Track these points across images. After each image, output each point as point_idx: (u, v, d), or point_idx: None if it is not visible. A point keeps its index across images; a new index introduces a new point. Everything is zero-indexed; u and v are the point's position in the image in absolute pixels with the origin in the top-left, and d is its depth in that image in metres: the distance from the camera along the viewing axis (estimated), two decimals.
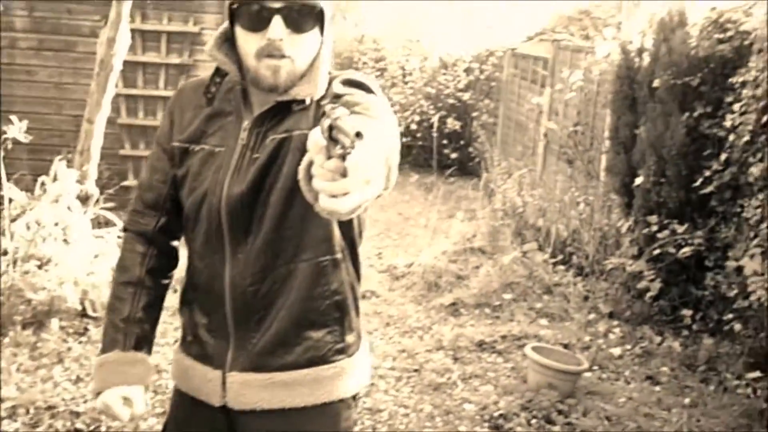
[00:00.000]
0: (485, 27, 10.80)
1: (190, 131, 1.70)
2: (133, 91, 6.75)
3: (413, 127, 10.35)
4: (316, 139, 1.09)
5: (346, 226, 1.68)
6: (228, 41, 1.64)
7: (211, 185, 1.64)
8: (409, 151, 10.69)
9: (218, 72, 1.67)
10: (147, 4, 6.58)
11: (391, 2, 13.07)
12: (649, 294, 5.07)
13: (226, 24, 1.65)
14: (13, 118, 4.88)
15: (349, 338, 1.73)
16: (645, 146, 5.16)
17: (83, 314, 4.71)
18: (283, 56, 1.55)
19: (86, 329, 4.62)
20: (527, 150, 8.30)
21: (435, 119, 9.73)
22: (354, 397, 1.78)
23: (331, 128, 1.07)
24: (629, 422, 3.99)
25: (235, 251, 1.64)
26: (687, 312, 4.94)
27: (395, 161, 1.33)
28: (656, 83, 5.07)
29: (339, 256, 1.68)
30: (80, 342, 4.48)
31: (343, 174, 1.07)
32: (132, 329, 1.74)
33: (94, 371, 1.75)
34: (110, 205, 5.77)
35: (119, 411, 1.71)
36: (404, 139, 10.44)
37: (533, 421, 3.91)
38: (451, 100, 10.39)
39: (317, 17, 1.58)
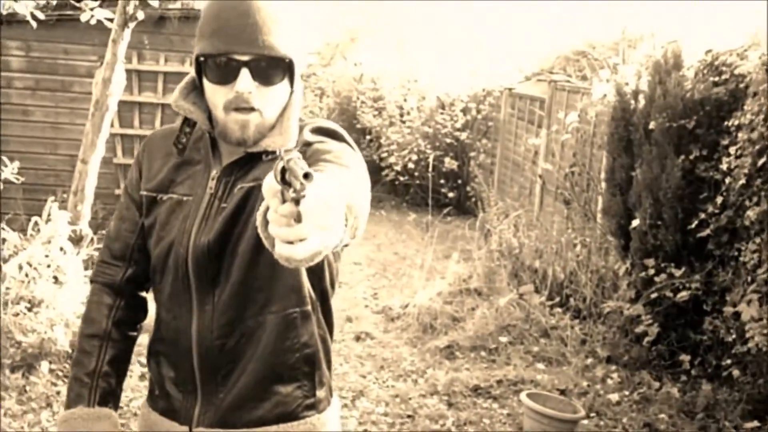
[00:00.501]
0: (483, 66, 10.84)
1: (158, 180, 1.67)
2: (129, 131, 6.77)
3: (410, 166, 10.36)
4: (270, 183, 1.07)
5: (317, 277, 1.65)
6: (196, 89, 1.63)
7: (178, 235, 1.62)
8: (407, 190, 10.69)
9: (187, 121, 1.65)
10: (144, 45, 6.61)
11: (389, 43, 13.19)
12: (647, 339, 5.01)
13: (192, 73, 1.64)
14: (5, 159, 4.87)
15: (320, 393, 1.69)
16: (641, 188, 5.14)
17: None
18: (252, 109, 1.53)
19: None
20: (524, 190, 8.29)
21: (431, 158, 9.73)
22: None
23: (284, 171, 1.04)
24: None
25: (203, 303, 1.61)
26: (685, 357, 4.88)
27: (364, 209, 1.30)
28: (652, 125, 5.06)
29: (309, 307, 1.64)
30: None
31: (299, 219, 1.04)
32: (98, 384, 1.69)
33: (58, 426, 1.69)
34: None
35: None
36: (401, 178, 10.47)
37: None
38: (448, 140, 10.41)
39: (286, 68, 1.56)
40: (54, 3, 5.31)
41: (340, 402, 1.81)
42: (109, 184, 6.65)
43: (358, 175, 1.39)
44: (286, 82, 1.57)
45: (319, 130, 1.58)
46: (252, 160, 1.59)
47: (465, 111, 10.46)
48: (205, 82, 1.57)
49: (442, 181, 10.15)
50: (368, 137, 11.57)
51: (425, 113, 10.73)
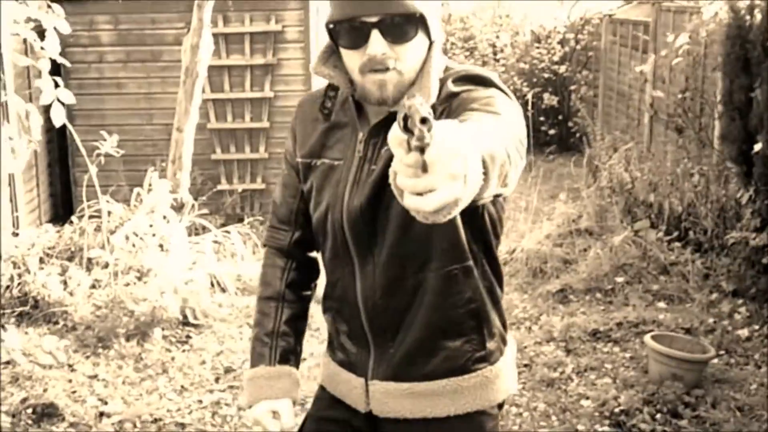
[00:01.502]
0: None
1: (310, 146, 1.70)
2: (221, 95, 6.74)
3: None
4: (394, 132, 1.00)
5: (478, 230, 1.62)
6: (335, 53, 1.61)
7: (332, 199, 1.64)
8: None
9: (331, 85, 1.64)
10: (228, 7, 6.53)
11: None
12: None
13: (328, 40, 1.61)
14: (104, 133, 4.92)
15: (491, 345, 1.69)
16: (762, 110, 4.72)
17: (185, 323, 4.71)
18: (387, 69, 1.49)
19: (188, 337, 4.61)
20: (632, 122, 7.85)
21: (530, 95, 9.36)
22: (500, 406, 1.74)
23: (406, 119, 0.97)
24: (764, 412, 3.63)
25: (363, 264, 1.64)
26: None
27: (514, 157, 1.25)
28: None
29: (470, 263, 1.62)
30: (183, 351, 4.46)
31: (425, 169, 0.98)
32: (277, 343, 1.78)
33: (244, 385, 1.80)
34: (205, 211, 5.77)
35: (268, 424, 1.74)
36: None
37: (658, 416, 3.62)
38: (546, 75, 9.99)
39: (419, 22, 1.50)
40: None
41: (515, 347, 1.80)
42: (205, 150, 6.67)
43: (509, 121, 1.33)
44: (421, 36, 1.52)
45: (464, 78, 1.52)
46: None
47: (562, 42, 10.00)
48: (340, 48, 1.56)
49: (542, 119, 9.77)
50: None
51: (520, 49, 10.33)
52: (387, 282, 1.62)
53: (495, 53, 10.59)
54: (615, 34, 8.81)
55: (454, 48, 11.25)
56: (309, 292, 1.86)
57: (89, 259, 5.02)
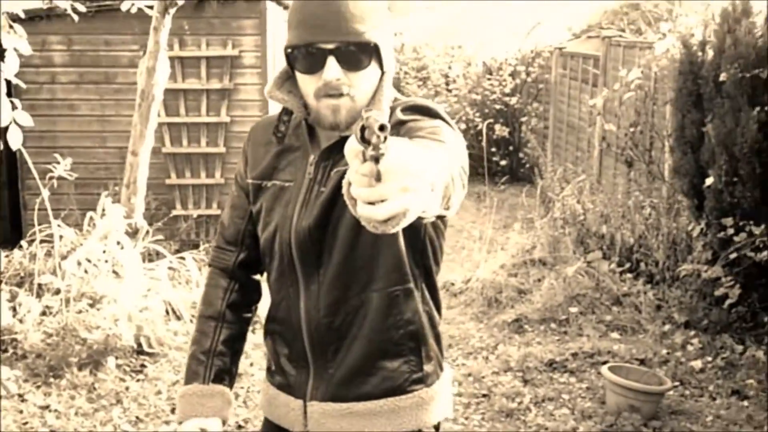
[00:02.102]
0: (528, 27, 10.52)
1: (261, 168, 1.73)
2: (176, 119, 6.66)
3: None
4: (351, 143, 1.05)
5: (419, 254, 1.67)
6: (290, 78, 1.66)
7: (282, 220, 1.67)
8: None
9: (285, 109, 1.68)
10: (185, 31, 6.48)
11: (430, 10, 12.90)
12: (727, 301, 4.77)
13: (285, 65, 1.65)
14: (58, 156, 4.81)
15: (428, 367, 1.72)
16: (714, 145, 4.87)
17: (139, 351, 4.60)
18: (341, 95, 1.55)
19: (143, 366, 4.50)
20: (582, 154, 8.01)
21: (483, 126, 9.48)
22: (436, 428, 1.77)
23: (363, 130, 1.02)
24: None
25: (308, 284, 1.67)
26: None
27: (458, 183, 1.32)
28: (723, 77, 4.77)
29: (411, 285, 1.67)
30: (138, 380, 4.35)
31: (379, 179, 1.03)
32: (213, 362, 1.79)
33: (177, 401, 1.81)
34: (159, 236, 5.68)
35: None
36: None
37: None
38: (497, 106, 10.14)
39: (373, 52, 1.57)
40: None
41: (451, 373, 1.83)
42: (159, 174, 6.57)
43: (454, 150, 1.38)
44: (374, 65, 1.58)
45: (413, 108, 1.57)
46: None
47: (513, 75, 10.16)
48: (296, 72, 1.60)
49: (493, 149, 9.90)
50: None
51: (472, 80, 10.46)
52: (331, 301, 1.65)
53: (447, 84, 10.71)
54: (565, 67, 9.01)
55: (407, 77, 11.35)
56: (249, 315, 1.88)
57: (40, 285, 4.88)
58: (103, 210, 5.07)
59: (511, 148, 10.12)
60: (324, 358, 1.69)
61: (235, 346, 1.84)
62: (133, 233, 5.31)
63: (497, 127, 9.97)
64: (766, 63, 4.61)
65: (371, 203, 1.03)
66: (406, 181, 1.03)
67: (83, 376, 4.25)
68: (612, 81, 7.06)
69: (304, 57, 1.55)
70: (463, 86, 10.43)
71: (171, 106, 6.57)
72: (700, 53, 5.09)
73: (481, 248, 6.47)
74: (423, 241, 1.66)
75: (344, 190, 1.13)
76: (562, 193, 6.55)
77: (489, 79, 10.33)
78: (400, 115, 1.56)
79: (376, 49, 1.56)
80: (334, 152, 1.62)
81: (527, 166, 9.61)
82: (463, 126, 10.08)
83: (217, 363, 1.79)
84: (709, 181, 4.89)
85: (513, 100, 10.05)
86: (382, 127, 0.99)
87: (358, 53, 1.54)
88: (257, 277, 1.88)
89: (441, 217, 1.61)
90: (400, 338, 1.67)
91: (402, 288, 1.65)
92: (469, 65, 10.71)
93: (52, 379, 4.25)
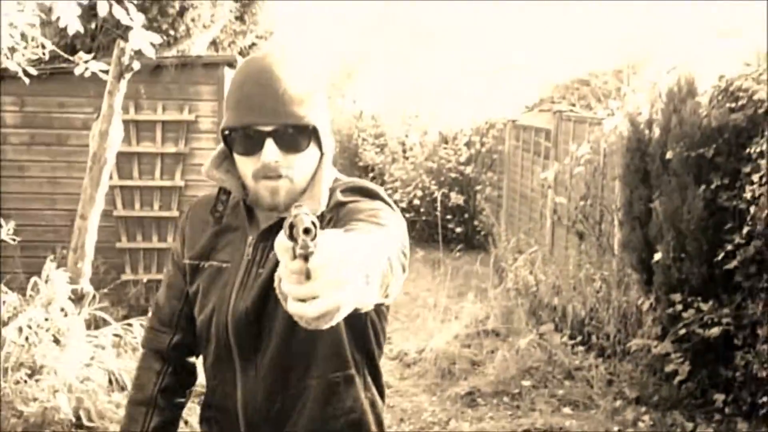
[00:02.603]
0: (482, 98, 10.72)
1: (199, 248, 1.69)
2: (129, 182, 6.59)
3: (416, 202, 10.17)
4: (280, 239, 1.03)
5: (361, 338, 1.62)
6: (228, 158, 1.63)
7: (218, 302, 1.62)
8: (413, 226, 10.50)
9: (223, 189, 1.66)
10: (140, 95, 6.46)
11: (387, 78, 13.10)
12: (677, 377, 4.79)
13: (222, 145, 1.64)
14: (1, 220, 4.69)
15: None
16: (662, 221, 4.95)
17: (78, 425, 4.42)
18: (279, 176, 1.53)
19: None
20: (535, 224, 8.09)
21: (438, 194, 9.56)
22: None
23: (292, 227, 1.02)
24: None
25: (246, 369, 1.60)
26: (719, 395, 4.65)
27: (397, 268, 1.29)
28: (669, 155, 4.88)
29: (352, 371, 1.61)
30: None
31: (308, 276, 1.00)
32: None
33: None
34: (105, 303, 5.54)
35: None
36: (407, 215, 10.28)
37: None
38: (453, 174, 10.25)
39: (312, 134, 1.56)
40: (47, 57, 5.15)
41: None
42: (110, 238, 6.46)
43: (393, 233, 1.37)
44: (313, 146, 1.57)
45: (352, 190, 1.58)
46: None
47: (468, 144, 10.31)
48: (234, 154, 1.58)
49: (449, 217, 9.96)
50: (371, 174, 11.42)
51: (428, 148, 10.59)
52: (269, 388, 1.59)
53: (404, 151, 10.82)
54: (518, 139, 9.16)
55: (365, 144, 11.45)
56: (182, 399, 1.81)
57: None
58: (47, 275, 4.94)
59: (466, 215, 10.20)
60: None
61: (165, 429, 1.76)
62: (78, 299, 5.17)
63: (453, 195, 10.05)
64: (711, 142, 4.72)
65: (302, 300, 1.01)
66: (337, 277, 1.01)
67: None
68: (563, 154, 7.18)
69: (242, 139, 1.53)
70: (420, 154, 10.55)
71: (124, 168, 6.51)
72: (647, 131, 5.21)
73: (435, 317, 6.45)
74: (364, 324, 1.62)
75: (276, 285, 1.11)
76: (515, 263, 6.58)
77: (445, 148, 10.46)
78: (340, 196, 1.55)
79: (315, 131, 1.55)
80: (273, 233, 1.58)
81: (482, 233, 9.67)
82: (419, 193, 10.15)
83: None
84: (657, 256, 4.95)
85: (468, 169, 10.18)
86: (306, 230, 0.99)
87: (297, 135, 1.53)
88: (192, 359, 1.82)
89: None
90: (341, 428, 1.61)
91: (342, 374, 1.60)
92: (425, 134, 10.85)
93: None
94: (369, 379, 1.66)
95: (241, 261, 1.62)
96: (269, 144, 1.50)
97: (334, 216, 1.53)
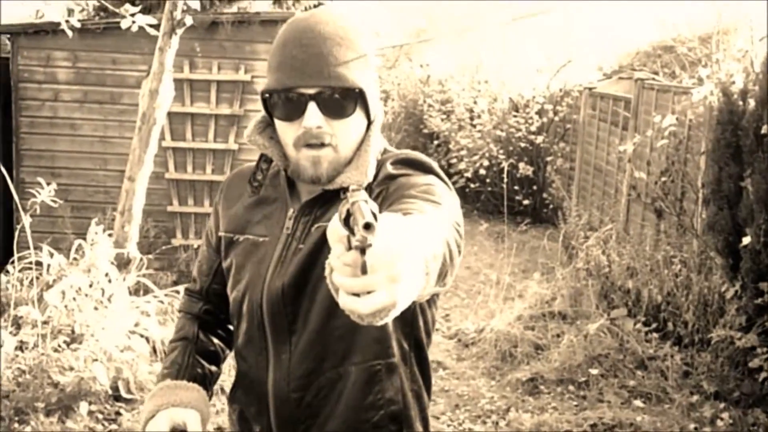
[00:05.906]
0: (557, 64, 10.16)
1: (234, 221, 1.59)
2: (182, 144, 6.37)
3: (482, 172, 9.73)
4: (334, 227, 0.95)
5: (409, 326, 1.49)
6: (271, 125, 1.52)
7: (253, 278, 1.51)
8: (478, 197, 10.10)
9: (264, 157, 1.55)
10: (195, 53, 6.20)
11: (456, 43, 12.63)
12: (763, 374, 4.34)
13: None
14: (41, 180, 4.50)
15: None
16: (753, 201, 4.47)
17: (116, 396, 4.24)
18: (322, 145, 1.42)
19: (118, 414, 4.15)
20: (610, 200, 7.60)
21: (505, 164, 9.10)
22: None
23: (348, 214, 0.93)
24: None
25: (279, 352, 1.49)
26: None
27: (455, 253, 1.19)
28: (765, 130, 4.40)
29: (395, 359, 1.48)
30: (110, 431, 3.99)
31: (364, 270, 0.92)
32: (185, 372, 1.61)
33: (142, 410, 1.58)
34: (156, 265, 5.34)
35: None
36: (472, 185, 9.88)
37: None
38: (522, 144, 9.76)
39: (358, 98, 1.44)
40: (92, 11, 4.93)
41: None
42: (162, 201, 6.27)
43: (448, 213, 1.25)
44: (359, 113, 1.46)
45: (403, 162, 1.46)
46: (331, 198, 1.48)
47: (540, 113, 9.79)
48: (275, 119, 1.48)
49: (516, 188, 9.51)
50: (436, 142, 11.02)
51: (497, 116, 10.09)
52: (303, 373, 1.48)
53: (472, 118, 10.35)
54: (594, 108, 8.63)
55: (431, 110, 11.03)
56: (224, 334, 1.72)
57: (18, 317, 4.55)
58: (92, 239, 4.76)
59: (534, 187, 9.73)
60: None
61: (209, 360, 1.65)
62: (125, 264, 4.98)
63: (521, 165, 9.59)
64: None
65: (355, 294, 0.92)
66: (395, 271, 0.92)
67: (50, 423, 3.90)
68: (643, 125, 6.67)
69: (284, 103, 1.43)
70: (488, 122, 10.06)
71: (177, 130, 6.29)
72: (740, 103, 4.71)
73: (497, 295, 6.09)
74: (414, 311, 1.49)
75: (327, 274, 1.02)
76: (587, 241, 6.14)
77: (515, 116, 9.96)
78: (390, 168, 1.44)
79: (362, 95, 1.44)
80: (316, 206, 1.49)
81: (551, 207, 9.21)
82: (486, 163, 9.71)
83: (190, 371, 1.61)
84: (746, 240, 4.48)
85: (539, 139, 9.67)
86: (367, 226, 0.89)
87: (342, 99, 1.42)
88: (227, 323, 1.71)
89: None
90: (380, 420, 1.47)
91: (384, 362, 1.47)
92: (495, 101, 10.35)
93: (16, 425, 3.90)
94: (416, 369, 1.52)
95: (280, 235, 1.51)
96: (312, 108, 1.40)
97: (384, 190, 1.41)
